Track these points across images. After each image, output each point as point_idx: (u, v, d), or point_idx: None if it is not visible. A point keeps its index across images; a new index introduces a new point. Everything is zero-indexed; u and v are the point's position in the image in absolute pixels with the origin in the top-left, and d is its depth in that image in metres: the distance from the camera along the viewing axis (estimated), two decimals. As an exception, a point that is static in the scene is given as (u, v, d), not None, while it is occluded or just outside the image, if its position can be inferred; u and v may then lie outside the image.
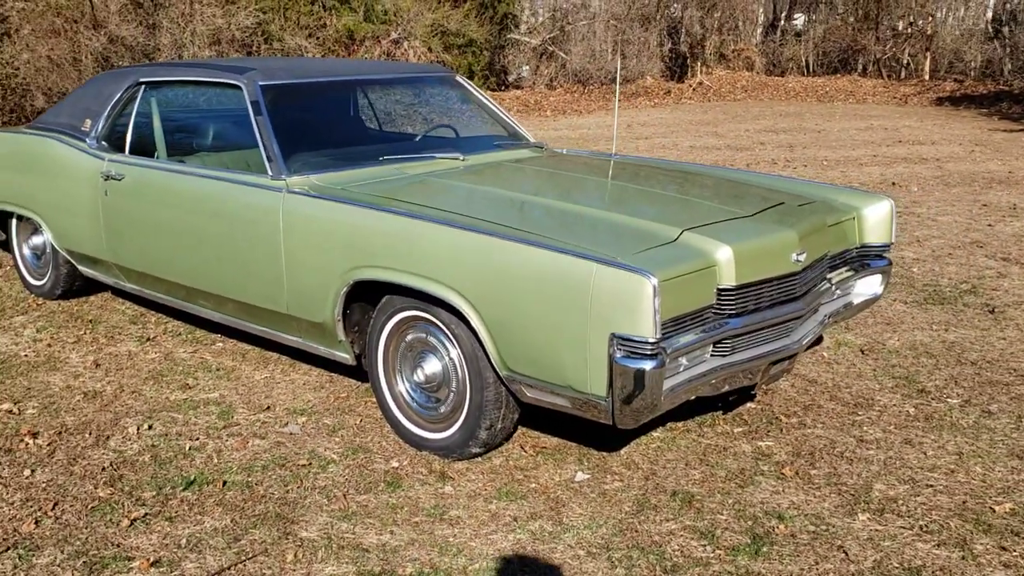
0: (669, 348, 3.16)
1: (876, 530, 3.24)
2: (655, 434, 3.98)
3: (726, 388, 3.54)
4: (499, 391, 3.52)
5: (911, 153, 12.45)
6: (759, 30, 25.72)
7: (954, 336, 5.19)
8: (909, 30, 23.19)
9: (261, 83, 4.38)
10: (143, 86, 4.97)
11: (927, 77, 22.46)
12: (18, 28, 13.83)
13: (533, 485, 3.54)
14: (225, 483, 3.51)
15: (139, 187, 4.70)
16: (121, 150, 4.93)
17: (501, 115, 5.31)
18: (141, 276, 4.87)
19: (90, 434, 3.90)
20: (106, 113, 5.04)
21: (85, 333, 5.13)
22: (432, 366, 3.72)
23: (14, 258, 5.83)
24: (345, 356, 4.04)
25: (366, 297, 3.87)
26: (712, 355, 3.46)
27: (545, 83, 21.23)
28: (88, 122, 5.10)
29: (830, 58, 23.89)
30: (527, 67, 21.84)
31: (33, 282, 5.73)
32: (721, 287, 3.39)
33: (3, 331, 5.16)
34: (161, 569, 2.97)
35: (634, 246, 3.30)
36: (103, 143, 5.02)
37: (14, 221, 5.76)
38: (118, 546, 3.09)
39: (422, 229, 3.54)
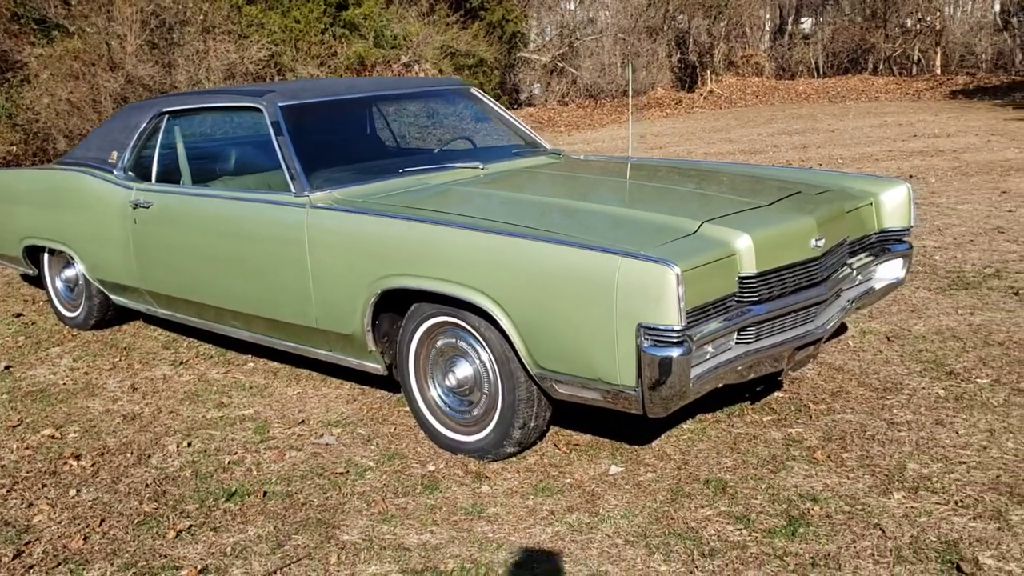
0: (695, 336, 3.21)
1: (912, 507, 3.26)
2: (685, 426, 4.01)
3: (753, 375, 3.58)
4: (531, 390, 3.57)
5: (927, 146, 12.44)
6: (767, 35, 25.80)
7: (980, 319, 5.20)
8: (918, 26, 23.19)
9: (281, 104, 4.48)
10: (166, 116, 5.09)
11: (939, 72, 22.42)
12: (37, 73, 14.11)
13: (568, 480, 3.59)
14: (266, 493, 3.58)
15: (166, 213, 4.80)
16: (148, 179, 5.04)
17: (517, 124, 5.40)
18: (172, 300, 4.97)
19: (131, 453, 3.98)
20: (132, 144, 5.16)
21: (120, 360, 5.23)
22: (463, 370, 3.78)
23: (47, 291, 5.95)
24: (376, 366, 4.11)
25: (394, 307, 3.94)
26: (737, 342, 3.50)
27: (557, 99, 21.36)
28: (115, 154, 5.22)
29: (839, 59, 23.91)
30: (538, 84, 21.99)
31: (67, 314, 5.85)
32: (743, 275, 3.43)
33: (40, 362, 5.26)
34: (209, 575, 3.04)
35: (656, 239, 3.36)
36: (130, 173, 5.13)
37: (46, 256, 5.88)
38: (165, 556, 3.16)
39: (446, 235, 3.62)
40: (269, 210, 4.28)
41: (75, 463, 3.91)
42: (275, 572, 3.04)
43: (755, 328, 3.50)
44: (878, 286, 4.34)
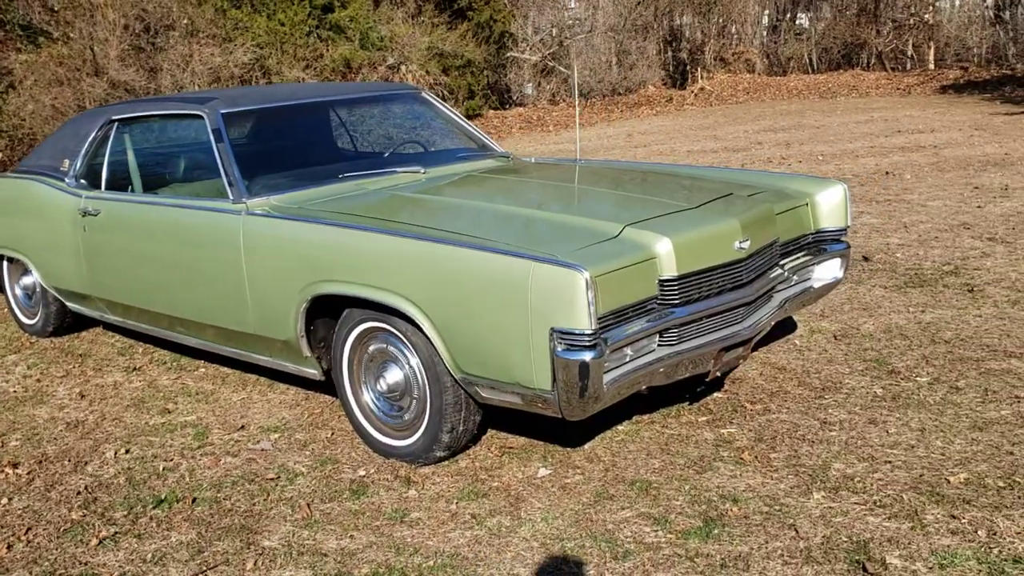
0: (610, 339, 3.23)
1: (829, 507, 3.27)
2: (620, 427, 4.03)
3: (678, 377, 3.59)
4: (458, 394, 3.59)
5: (909, 142, 12.42)
6: (759, 31, 25.77)
7: (930, 317, 5.20)
8: (911, 20, 23.13)
9: (223, 111, 4.51)
10: (116, 123, 5.12)
11: (932, 66, 22.37)
12: (22, 79, 14.17)
13: (496, 483, 3.61)
14: (195, 500, 3.61)
15: (113, 221, 4.83)
16: (98, 187, 5.07)
17: (467, 127, 5.41)
18: (123, 308, 5.00)
19: (69, 461, 4.01)
20: (83, 152, 5.19)
21: (74, 367, 5.27)
22: (394, 375, 3.80)
23: (7, 299, 5.98)
24: (313, 372, 4.14)
25: (329, 312, 3.97)
26: (660, 345, 3.51)
27: (548, 99, 21.36)
28: (66, 162, 5.25)
29: (832, 55, 23.86)
30: (531, 84, 22.00)
31: (26, 321, 5.89)
32: (663, 278, 3.45)
33: (-4, 370, 5.31)
34: (126, 583, 3.07)
35: (575, 243, 3.38)
36: (81, 181, 5.16)
37: (5, 263, 5.92)
38: (85, 564, 3.19)
39: (371, 241, 3.64)
40: (208, 217, 4.31)
41: (11, 471, 3.94)
42: (191, 578, 3.07)
43: (677, 330, 3.52)
44: (816, 285, 4.35)
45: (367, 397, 3.94)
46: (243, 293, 4.14)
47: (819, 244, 4.33)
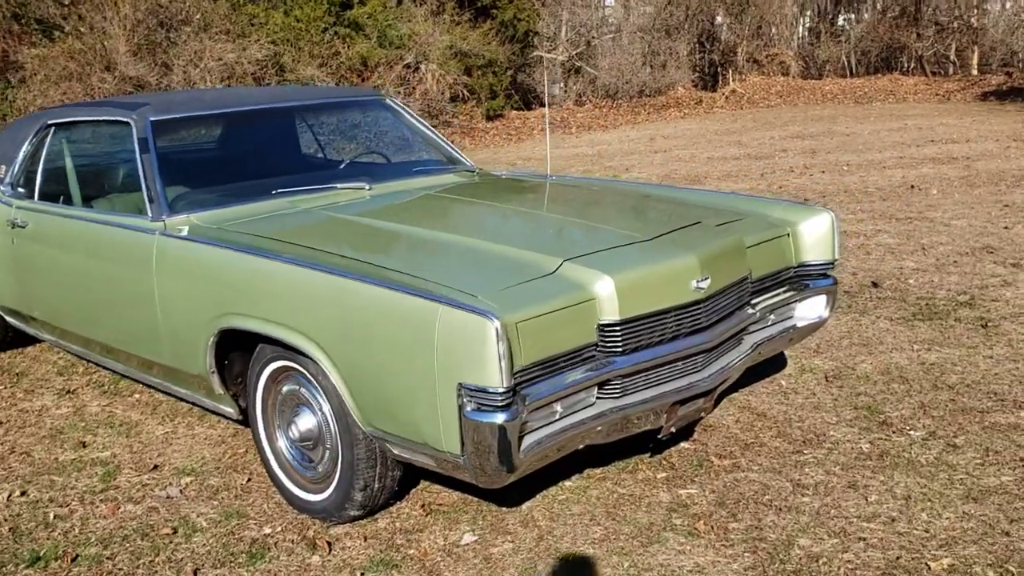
0: (532, 396, 2.78)
1: (785, 598, 2.81)
2: (567, 483, 3.58)
3: (621, 435, 3.14)
4: (371, 448, 3.16)
5: (941, 153, 11.78)
6: (797, 32, 25.05)
7: (936, 356, 4.68)
8: (954, 24, 22.31)
9: (152, 118, 4.13)
10: (52, 128, 4.75)
11: (975, 72, 21.55)
12: (33, 74, 13.98)
13: (412, 551, 3.18)
14: (76, 557, 3.22)
15: (39, 234, 4.47)
16: (32, 196, 4.71)
17: (434, 138, 4.98)
18: (53, 328, 4.64)
19: (-43, 504, 3.65)
20: (19, 158, 4.84)
21: (5, 388, 4.91)
22: (306, 421, 3.37)
23: (-49, 311, 5.65)
24: (229, 411, 3.74)
25: (245, 345, 3.56)
26: (599, 398, 3.06)
27: (573, 100, 20.86)
28: (3, 168, 4.90)
29: (870, 58, 23.10)
30: (559, 84, 21.49)
31: (-31, 335, 5.55)
32: (603, 322, 3.00)
33: (-73, 388, 4.97)
34: (-36, 665, 2.68)
35: (504, 281, 2.95)
36: (19, 189, 4.80)
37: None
38: (-73, 638, 2.81)
39: (277, 271, 3.23)
40: (124, 235, 3.93)
41: None
42: (37, 662, 2.67)
43: (620, 382, 3.06)
44: (799, 325, 3.87)
45: (282, 443, 3.53)
46: (156, 321, 3.75)
47: (802, 279, 3.84)
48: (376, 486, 3.24)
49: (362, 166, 4.68)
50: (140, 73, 14.18)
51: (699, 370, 3.30)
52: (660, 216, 3.79)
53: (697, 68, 22.47)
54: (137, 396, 4.71)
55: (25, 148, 4.82)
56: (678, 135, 16.03)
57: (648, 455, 3.77)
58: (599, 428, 3.02)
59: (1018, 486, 3.39)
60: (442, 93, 16.28)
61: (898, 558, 2.98)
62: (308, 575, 3.06)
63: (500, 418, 2.66)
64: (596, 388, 3.04)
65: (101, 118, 4.46)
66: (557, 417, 2.93)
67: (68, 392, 4.82)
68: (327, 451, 3.33)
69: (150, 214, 3.85)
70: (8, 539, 3.37)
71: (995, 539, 3.06)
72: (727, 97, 20.82)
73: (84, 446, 4.14)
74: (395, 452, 3.05)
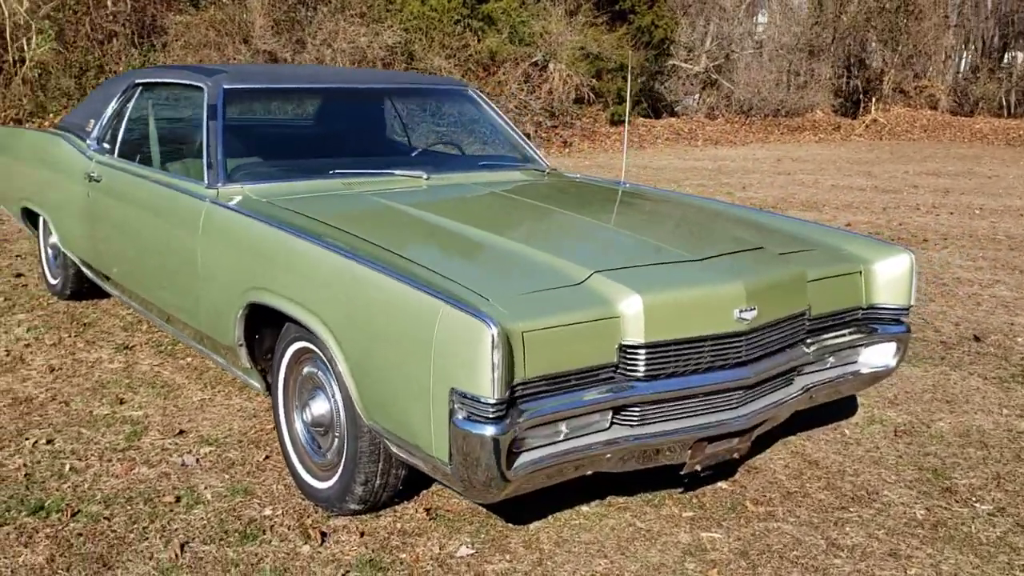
0: (532, 412, 2.60)
1: (785, 669, 2.54)
2: (584, 508, 3.37)
3: (635, 467, 2.92)
4: (374, 442, 3.04)
5: (1088, 205, 10.94)
6: (953, 65, 23.82)
7: (1026, 424, 4.26)
8: None
9: (226, 86, 4.12)
10: (139, 87, 4.82)
11: None
12: (176, 38, 14.50)
13: (404, 556, 3.03)
14: (76, 513, 3.20)
15: (109, 189, 4.54)
16: (112, 152, 4.78)
17: (513, 134, 4.83)
18: (116, 285, 4.70)
19: (-15, 444, 3.71)
20: (107, 114, 4.93)
21: (68, 336, 5.02)
22: (320, 406, 3.27)
23: (39, 255, 5.84)
24: (256, 385, 3.68)
25: (275, 322, 3.49)
26: (614, 423, 2.85)
27: (705, 112, 20.39)
28: (92, 122, 5.00)
29: (1030, 98, 21.79)
30: (693, 96, 21.05)
31: (51, 280, 5.72)
32: (626, 343, 2.78)
33: (-1, 328, 5.13)
34: (-63, 606, 2.68)
35: (523, 286, 2.78)
36: (102, 144, 4.89)
37: (41, 219, 5.76)
38: (-89, 573, 2.83)
39: (296, 247, 3.15)
40: (178, 199, 3.92)
41: (-79, 445, 3.66)
42: (4, 614, 2.65)
43: (638, 409, 2.84)
44: (863, 372, 3.55)
45: (298, 425, 3.45)
46: (195, 287, 3.73)
47: (871, 322, 3.52)
48: (377, 482, 3.11)
49: (430, 155, 4.58)
50: (274, 48, 14.53)
51: (733, 407, 3.04)
52: (721, 237, 3.53)
53: (840, 93, 21.65)
54: (189, 360, 4.73)
55: (113, 105, 4.91)
56: (807, 159, 15.45)
57: (680, 490, 3.52)
58: (608, 456, 2.81)
59: (1085, 583, 3.00)
60: (567, 94, 16.12)
61: (925, 644, 2.66)
62: (294, 564, 2.96)
63: (489, 431, 2.49)
64: (611, 413, 2.83)
65: (181, 81, 4.48)
66: (561, 438, 2.74)
67: (126, 348, 4.89)
68: (336, 439, 3.22)
69: (206, 180, 3.83)
70: (21, 484, 3.39)
71: (1043, 639, 2.71)
72: (867, 126, 19.99)
73: (121, 403, 4.16)
74: (394, 451, 2.92)
